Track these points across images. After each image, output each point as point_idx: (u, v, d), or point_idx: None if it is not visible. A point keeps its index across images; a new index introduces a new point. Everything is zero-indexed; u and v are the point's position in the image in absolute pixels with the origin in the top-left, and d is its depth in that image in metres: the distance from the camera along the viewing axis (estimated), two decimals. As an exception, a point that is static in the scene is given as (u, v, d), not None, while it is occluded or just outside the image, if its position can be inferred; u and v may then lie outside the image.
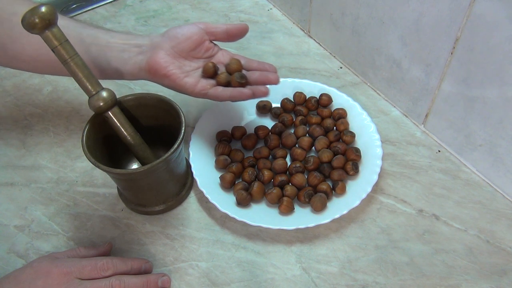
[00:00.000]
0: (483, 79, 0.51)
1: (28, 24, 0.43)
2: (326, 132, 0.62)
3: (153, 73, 0.54)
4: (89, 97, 0.49)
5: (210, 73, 0.55)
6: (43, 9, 0.43)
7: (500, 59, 0.48)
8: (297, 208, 0.56)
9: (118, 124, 0.51)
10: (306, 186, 0.57)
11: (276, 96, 0.67)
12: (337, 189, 0.56)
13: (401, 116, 0.67)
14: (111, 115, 0.50)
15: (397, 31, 0.60)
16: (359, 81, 0.72)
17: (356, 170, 0.58)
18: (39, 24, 0.43)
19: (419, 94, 0.62)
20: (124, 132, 0.52)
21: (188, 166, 0.60)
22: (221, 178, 0.57)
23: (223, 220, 0.56)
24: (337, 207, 0.54)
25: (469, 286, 0.49)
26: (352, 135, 0.61)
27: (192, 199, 0.59)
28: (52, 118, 0.69)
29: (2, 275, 0.46)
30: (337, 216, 0.53)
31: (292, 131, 0.63)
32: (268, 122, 0.66)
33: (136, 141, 0.53)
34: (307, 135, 0.63)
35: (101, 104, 0.49)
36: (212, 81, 0.55)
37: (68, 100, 0.71)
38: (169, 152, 0.49)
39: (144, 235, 0.55)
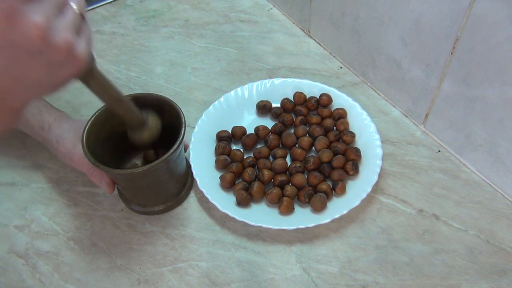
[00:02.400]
0: (483, 79, 0.51)
1: None
2: (326, 132, 0.62)
3: None
4: None
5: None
6: None
7: (500, 59, 0.48)
8: (297, 208, 0.56)
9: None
10: (306, 186, 0.57)
11: (276, 96, 0.68)
12: (337, 189, 0.56)
13: (401, 116, 0.67)
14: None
15: (397, 31, 0.60)
16: (359, 81, 0.72)
17: (356, 170, 0.58)
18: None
19: (419, 94, 0.62)
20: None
21: (188, 166, 0.59)
22: (221, 178, 0.57)
23: (223, 220, 0.56)
24: (337, 207, 0.54)
25: (469, 286, 0.49)
26: (352, 135, 0.61)
27: (192, 199, 0.59)
28: (52, 118, 0.69)
29: (2, 275, 0.46)
30: (337, 216, 0.53)
31: (292, 131, 0.63)
32: (268, 122, 0.66)
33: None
34: (307, 135, 0.63)
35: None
36: None
37: (68, 100, 0.71)
38: (169, 152, 0.49)
39: (144, 235, 0.55)
